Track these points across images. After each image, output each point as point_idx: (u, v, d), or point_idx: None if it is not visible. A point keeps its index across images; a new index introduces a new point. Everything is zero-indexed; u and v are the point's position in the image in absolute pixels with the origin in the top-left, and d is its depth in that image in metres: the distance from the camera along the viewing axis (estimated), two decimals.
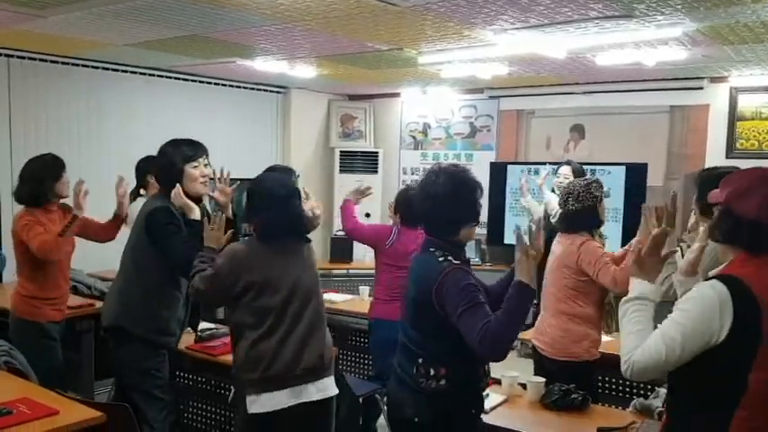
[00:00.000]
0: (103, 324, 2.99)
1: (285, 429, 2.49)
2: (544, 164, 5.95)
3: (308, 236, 2.70)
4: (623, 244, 4.71)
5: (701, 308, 1.67)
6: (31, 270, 3.45)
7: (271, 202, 2.55)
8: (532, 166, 6.01)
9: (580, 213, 3.18)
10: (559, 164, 4.79)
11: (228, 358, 3.26)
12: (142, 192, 4.17)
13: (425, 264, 2.23)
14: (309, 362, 2.51)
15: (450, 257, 2.18)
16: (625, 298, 1.82)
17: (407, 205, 3.70)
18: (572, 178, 4.40)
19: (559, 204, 3.35)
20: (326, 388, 2.57)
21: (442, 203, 2.21)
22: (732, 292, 1.64)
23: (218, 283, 2.50)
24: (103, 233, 3.76)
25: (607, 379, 3.56)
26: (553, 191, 4.66)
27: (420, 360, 2.20)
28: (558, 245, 3.26)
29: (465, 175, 2.27)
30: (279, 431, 2.49)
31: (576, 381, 2.80)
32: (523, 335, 3.36)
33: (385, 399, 3.01)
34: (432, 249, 2.23)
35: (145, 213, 2.94)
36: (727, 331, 1.63)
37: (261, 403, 2.45)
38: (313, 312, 2.57)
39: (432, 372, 2.18)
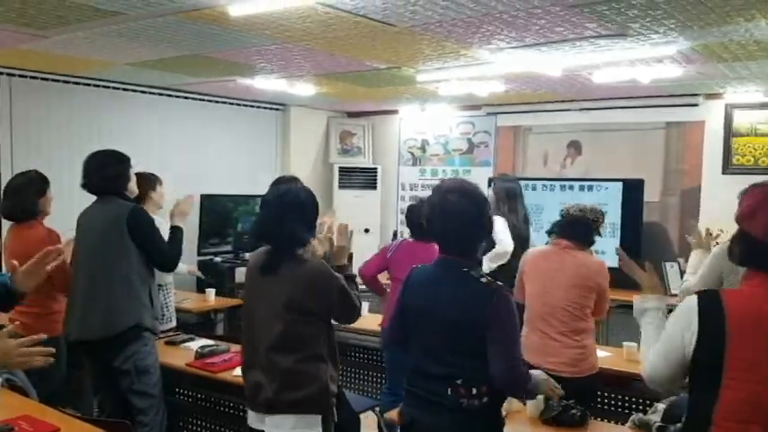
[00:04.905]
0: (116, 330, 3.11)
1: None
2: (542, 180, 6.00)
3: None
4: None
5: (674, 319, 1.78)
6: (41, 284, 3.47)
7: None
8: (530, 182, 6.05)
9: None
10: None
11: (227, 375, 3.28)
12: None
13: (465, 284, 2.19)
14: None
15: (488, 278, 2.19)
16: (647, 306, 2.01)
17: (417, 220, 3.85)
18: None
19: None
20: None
21: (466, 222, 2.19)
22: (700, 307, 1.71)
23: None
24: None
25: (606, 394, 3.57)
26: None
27: (459, 381, 2.16)
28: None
29: (479, 190, 2.26)
30: None
31: (587, 394, 2.93)
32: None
33: (384, 415, 3.01)
34: (465, 270, 2.20)
35: (125, 213, 3.17)
36: (694, 344, 1.69)
37: None
38: None
39: (474, 391, 2.15)
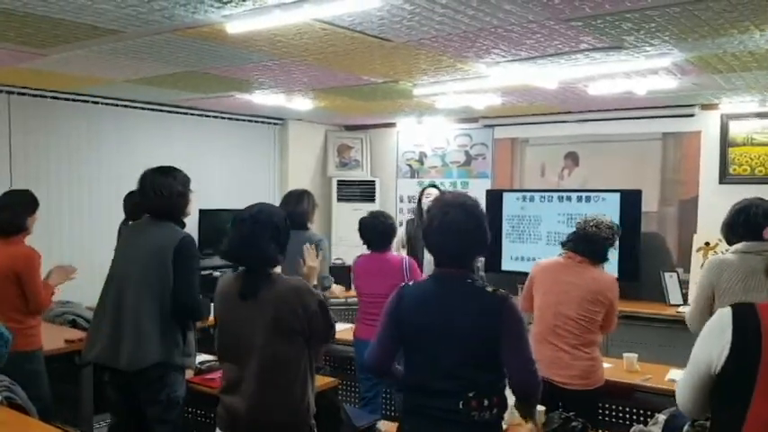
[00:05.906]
0: (144, 365, 2.90)
1: None
2: (540, 191, 6.02)
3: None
4: (618, 269, 4.76)
5: (704, 334, 1.72)
6: (20, 300, 3.48)
7: None
8: (528, 194, 6.07)
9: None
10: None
11: None
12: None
13: (473, 296, 2.18)
14: None
15: (492, 286, 2.19)
16: None
17: (370, 230, 4.08)
18: None
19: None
20: None
21: (463, 236, 2.18)
22: (734, 317, 1.66)
23: None
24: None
25: (607, 405, 3.56)
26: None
27: (471, 394, 2.12)
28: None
29: (479, 205, 2.27)
30: None
31: (593, 406, 2.96)
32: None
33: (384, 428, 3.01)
34: (469, 281, 2.20)
35: (174, 241, 2.95)
36: (725, 355, 1.63)
37: None
38: None
39: (486, 403, 2.13)
